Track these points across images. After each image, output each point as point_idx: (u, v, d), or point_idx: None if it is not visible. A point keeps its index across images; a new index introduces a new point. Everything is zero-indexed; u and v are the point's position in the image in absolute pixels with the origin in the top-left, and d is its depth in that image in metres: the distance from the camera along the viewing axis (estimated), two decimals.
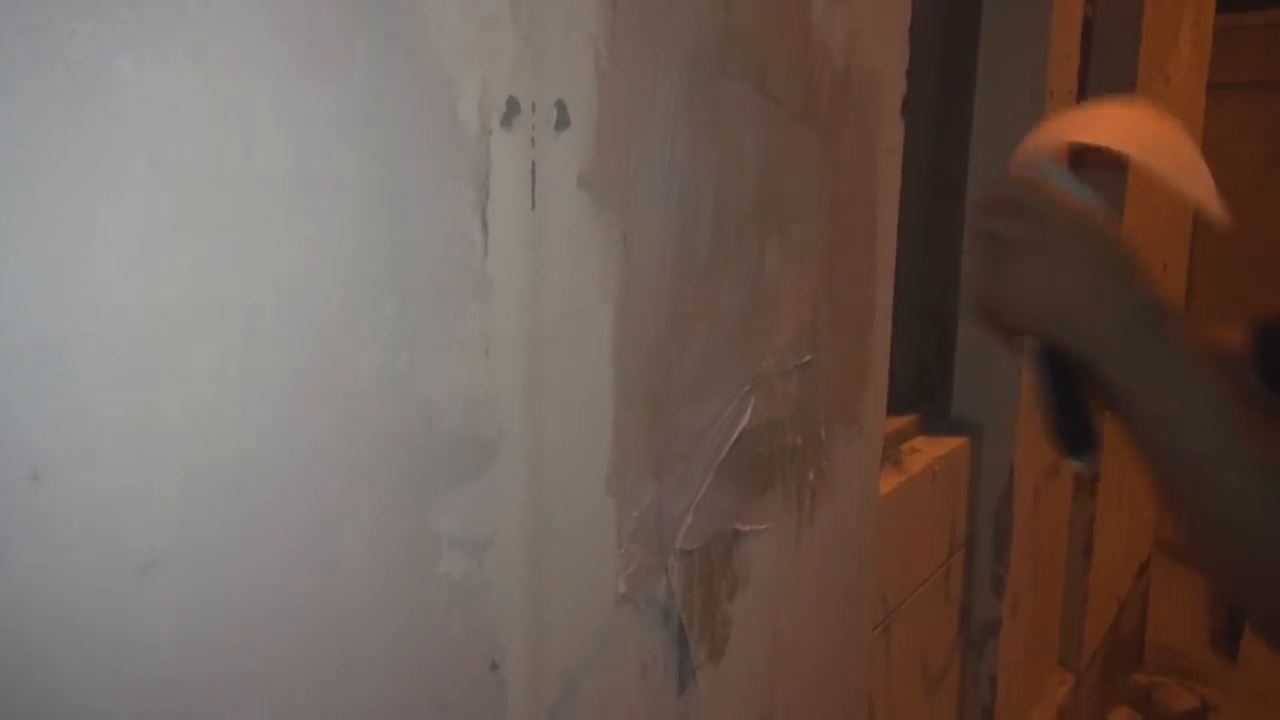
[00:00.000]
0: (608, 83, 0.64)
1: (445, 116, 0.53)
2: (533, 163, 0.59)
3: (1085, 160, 0.83)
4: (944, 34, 1.57)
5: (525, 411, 0.61)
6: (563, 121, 0.61)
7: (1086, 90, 2.16)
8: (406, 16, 0.51)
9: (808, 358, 0.93)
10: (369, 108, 0.50)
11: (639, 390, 0.71)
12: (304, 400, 0.49)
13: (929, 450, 1.50)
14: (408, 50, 0.51)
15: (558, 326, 0.63)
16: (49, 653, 0.40)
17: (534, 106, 0.58)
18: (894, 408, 1.57)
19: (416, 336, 0.54)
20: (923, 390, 1.68)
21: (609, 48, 0.64)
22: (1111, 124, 0.75)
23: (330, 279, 0.50)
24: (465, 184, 0.55)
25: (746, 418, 0.84)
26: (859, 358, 1.05)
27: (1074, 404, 0.71)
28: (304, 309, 0.49)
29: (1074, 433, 0.72)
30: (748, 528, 0.87)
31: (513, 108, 0.57)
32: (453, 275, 0.55)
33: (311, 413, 0.50)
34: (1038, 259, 0.63)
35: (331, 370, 0.50)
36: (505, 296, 0.58)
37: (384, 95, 0.50)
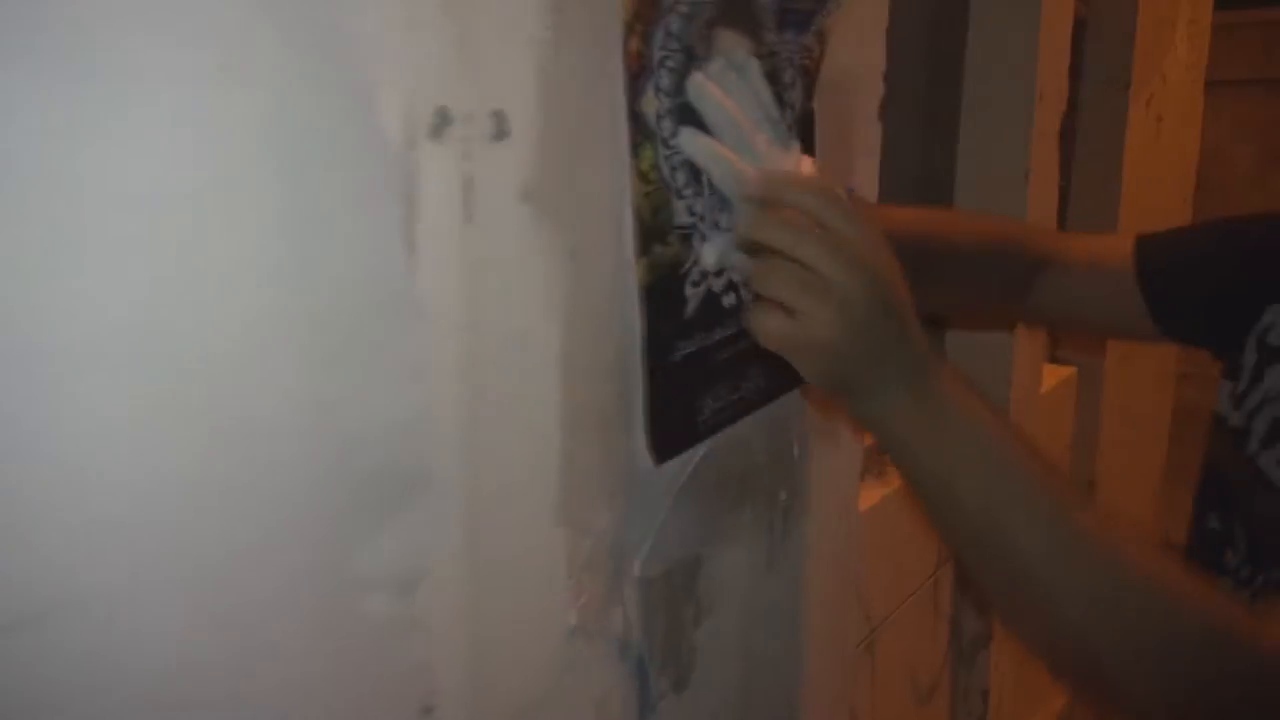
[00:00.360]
0: (552, 91, 0.60)
1: (365, 129, 0.50)
2: (467, 176, 0.55)
3: None
4: (929, 34, 1.53)
5: (462, 440, 0.58)
6: (501, 132, 0.57)
7: (1079, 91, 2.12)
8: (322, 22, 0.47)
9: None
10: (280, 121, 0.46)
11: (590, 414, 0.68)
12: (210, 433, 0.46)
13: None
14: (323, 58, 0.48)
15: (498, 349, 0.59)
16: None
17: (469, 117, 0.55)
18: None
19: (335, 363, 0.50)
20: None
21: (553, 54, 0.60)
22: None
23: (238, 303, 0.46)
24: (388, 201, 0.51)
25: (738, 428, 0.81)
26: None
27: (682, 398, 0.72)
28: (211, 335, 0.45)
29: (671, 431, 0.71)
30: (714, 552, 0.83)
31: (444, 119, 0.53)
32: (375, 297, 0.52)
33: (218, 447, 0.46)
34: (825, 314, 0.60)
35: (241, 400, 0.47)
36: (437, 318, 0.55)
37: (297, 107, 0.47)
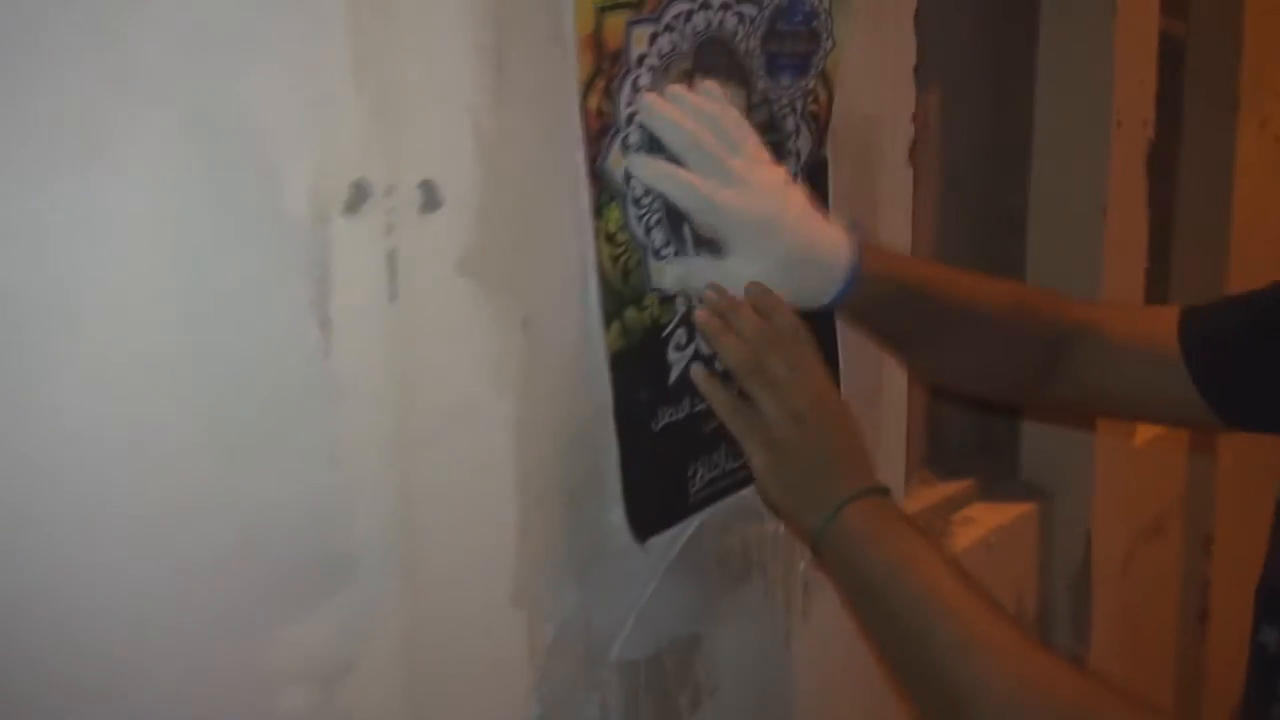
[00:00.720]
0: (493, 156, 0.58)
1: (268, 208, 0.48)
2: (391, 250, 0.53)
3: None
4: (994, 62, 1.45)
5: (394, 521, 0.55)
6: (431, 203, 0.55)
7: (1183, 117, 1.98)
8: (219, 100, 0.46)
9: None
10: (174, 204, 0.45)
11: (553, 488, 0.64)
12: (110, 519, 0.45)
13: (985, 519, 1.37)
14: (220, 138, 0.47)
15: (437, 425, 0.57)
16: None
17: (390, 189, 0.53)
18: (950, 471, 1.45)
19: (242, 448, 0.49)
20: (987, 449, 1.55)
21: (493, 118, 0.58)
22: None
23: (137, 390, 0.45)
24: (296, 280, 0.50)
25: (731, 501, 0.76)
26: (866, 426, 0.95)
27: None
28: (112, 421, 0.44)
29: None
30: (716, 630, 0.78)
31: (360, 192, 0.52)
32: (287, 380, 0.50)
33: (118, 534, 0.45)
34: (755, 448, 0.66)
35: (143, 486, 0.46)
36: (357, 398, 0.53)
37: (191, 189, 0.46)
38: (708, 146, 0.64)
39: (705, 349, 0.71)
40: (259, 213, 0.48)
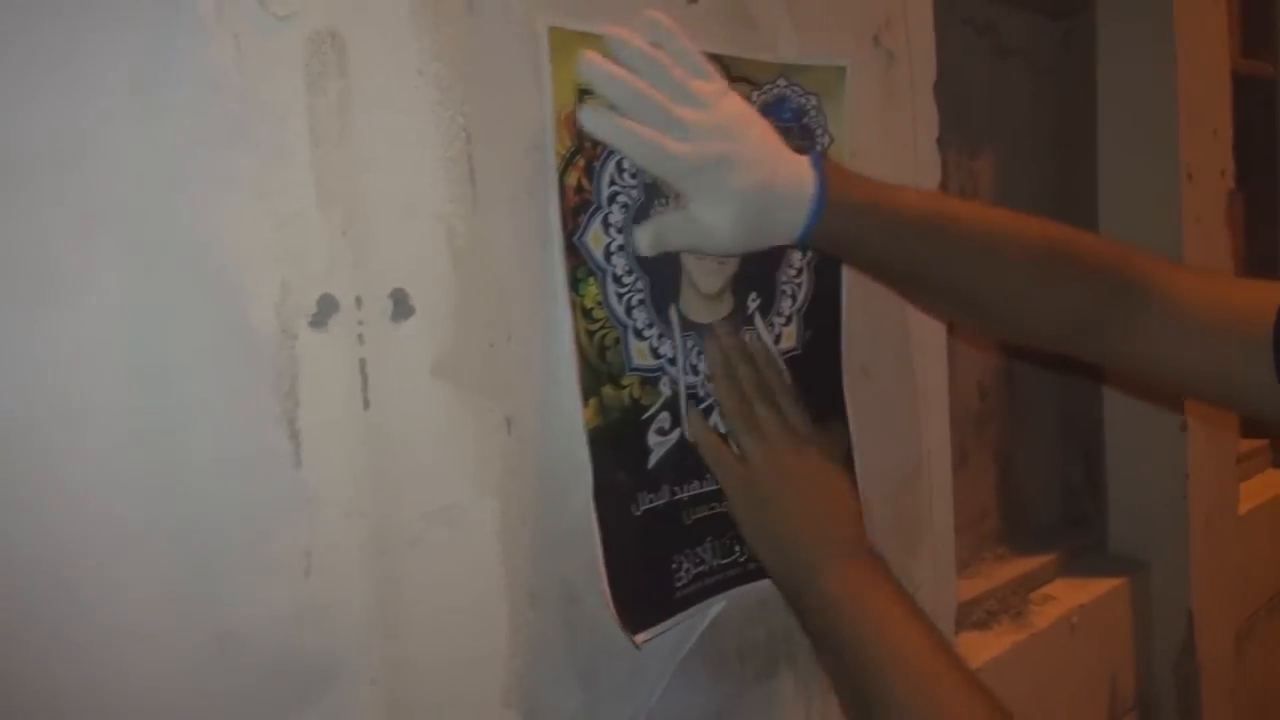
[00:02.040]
0: (467, 260, 0.60)
1: (233, 328, 0.51)
2: (361, 360, 0.55)
3: None
4: (1051, 121, 1.41)
5: (373, 627, 0.56)
6: (403, 311, 0.57)
7: (1277, 170, 1.88)
8: (185, 228, 0.49)
9: None
10: (141, 328, 0.48)
11: (549, 584, 0.64)
12: (84, 632, 0.47)
13: (1067, 597, 1.29)
14: (186, 263, 0.49)
15: (418, 529, 0.57)
16: None
17: (358, 301, 0.55)
18: (1030, 546, 1.37)
19: (215, 559, 0.50)
20: (1071, 520, 1.46)
21: (467, 225, 0.60)
22: None
23: (106, 505, 0.47)
24: (264, 396, 0.51)
25: (722, 602, 0.74)
26: (905, 509, 0.92)
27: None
28: (83, 540, 0.47)
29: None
30: None
31: (328, 306, 0.54)
32: (255, 493, 0.51)
33: (91, 648, 0.47)
34: (734, 493, 0.69)
35: (116, 599, 0.48)
36: (331, 507, 0.54)
37: (158, 314, 0.48)
38: (651, 98, 0.62)
39: (689, 435, 0.71)
40: (224, 331, 0.50)
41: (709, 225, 0.65)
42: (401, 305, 0.57)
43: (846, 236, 0.68)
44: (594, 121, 0.63)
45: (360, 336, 0.55)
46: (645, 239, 0.67)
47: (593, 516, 0.64)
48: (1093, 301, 0.68)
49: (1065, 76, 1.40)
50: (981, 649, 1.12)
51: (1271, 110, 1.91)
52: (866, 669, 0.59)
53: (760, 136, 0.66)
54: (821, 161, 0.67)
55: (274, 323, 0.52)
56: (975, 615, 1.19)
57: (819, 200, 0.65)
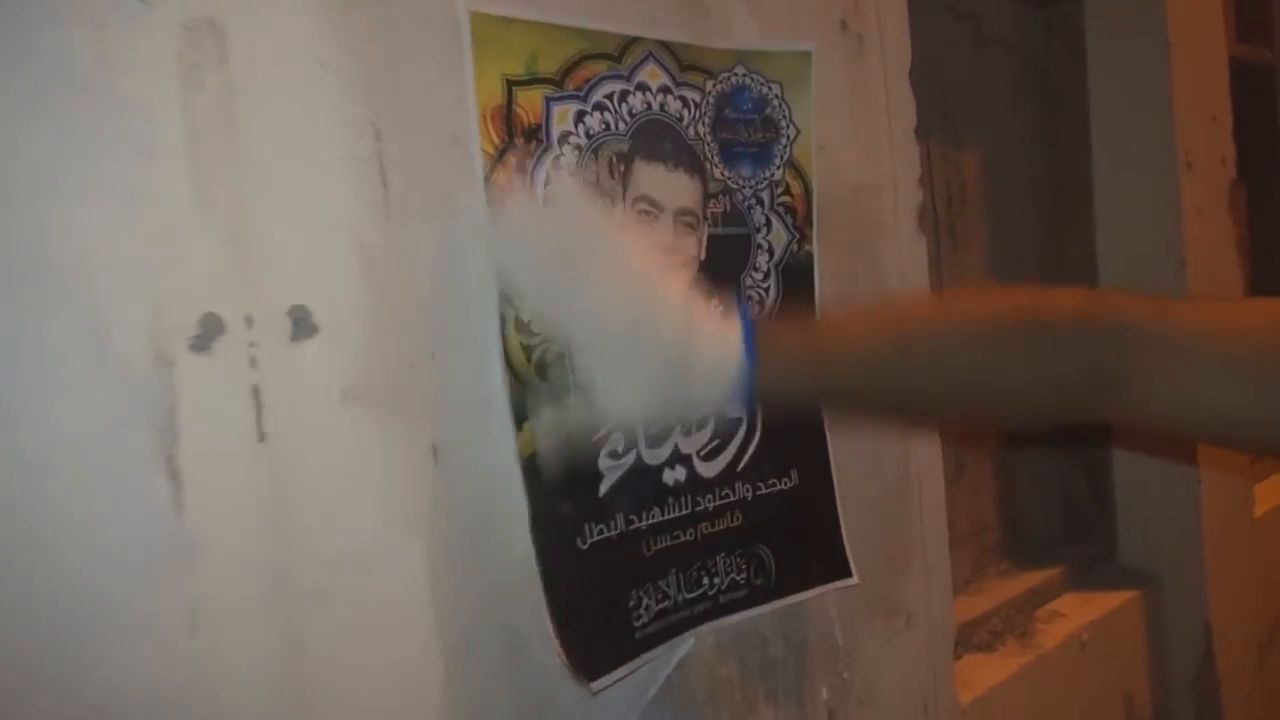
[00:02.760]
0: (382, 273, 0.53)
1: (98, 354, 0.44)
2: (254, 387, 0.49)
3: None
4: (1040, 112, 1.35)
5: (274, 692, 0.49)
6: (304, 331, 0.50)
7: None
8: (36, 243, 0.43)
9: None
10: None
11: (488, 632, 0.57)
12: None
13: (1077, 613, 1.22)
14: (38, 282, 0.43)
15: (325, 577, 0.51)
16: None
17: (249, 320, 0.48)
18: (1035, 559, 1.30)
19: (81, 623, 0.44)
20: (1076, 532, 1.39)
21: (379, 231, 0.53)
22: None
23: None
24: (135, 431, 0.45)
25: (690, 640, 0.67)
26: (892, 525, 0.85)
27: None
28: None
29: None
30: None
31: (212, 327, 0.47)
32: (129, 543, 0.45)
33: None
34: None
35: None
36: (219, 556, 0.47)
37: (5, 339, 0.42)
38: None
39: (650, 459, 0.64)
40: (88, 358, 0.44)
41: (623, 406, 0.58)
42: (302, 324, 0.50)
43: (791, 396, 0.61)
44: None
45: (252, 360, 0.49)
46: (546, 429, 0.59)
47: (532, 553, 0.58)
48: (1086, 365, 0.58)
49: (1051, 65, 1.33)
50: (986, 674, 1.04)
51: (1270, 97, 1.85)
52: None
53: (674, 305, 0.58)
54: (748, 315, 0.60)
55: (146, 347, 0.45)
56: (978, 637, 1.12)
57: (745, 366, 0.57)
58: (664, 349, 0.57)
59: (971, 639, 1.11)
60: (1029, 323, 0.58)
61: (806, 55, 0.75)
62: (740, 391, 0.58)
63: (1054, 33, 1.32)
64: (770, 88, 0.73)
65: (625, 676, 0.62)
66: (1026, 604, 1.21)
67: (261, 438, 0.49)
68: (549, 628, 0.59)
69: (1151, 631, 1.31)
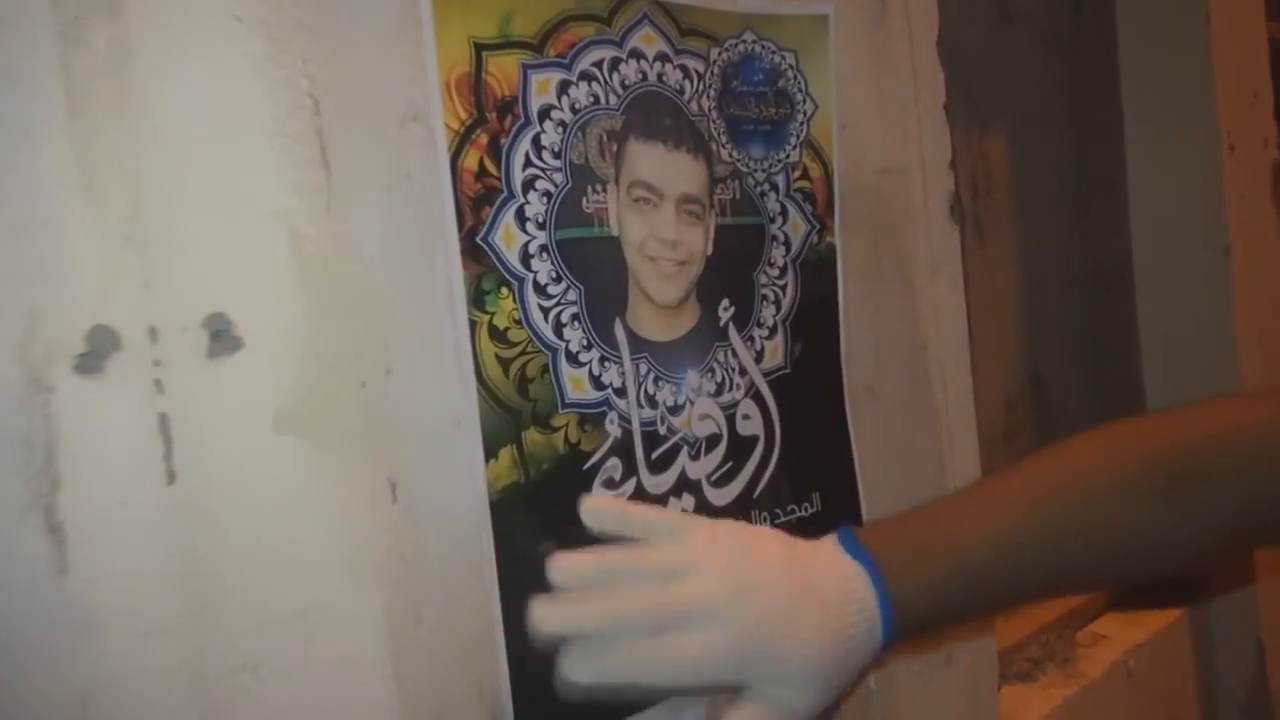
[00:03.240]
0: (323, 274, 0.44)
1: None
2: (161, 416, 0.39)
3: None
4: (1070, 92, 1.25)
5: None
6: (226, 345, 0.41)
7: None
8: None
9: None
10: None
11: (460, 698, 0.48)
12: None
13: (1121, 636, 1.12)
14: None
15: (256, 647, 0.41)
16: None
17: (153, 333, 0.39)
18: None
19: None
20: None
21: (319, 224, 0.44)
22: None
23: None
24: (2, 475, 0.36)
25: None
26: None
27: None
28: None
29: None
30: None
31: (103, 343, 0.38)
32: (11, 612, 0.36)
33: None
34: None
35: None
36: (118, 626, 0.38)
37: None
38: (637, 608, 0.45)
39: (652, 487, 0.55)
40: None
41: (794, 705, 0.47)
42: (222, 337, 0.41)
43: (933, 616, 0.51)
44: (586, 670, 0.44)
45: (158, 383, 0.39)
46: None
47: (496, 607, 0.48)
48: (1237, 497, 0.52)
49: (1081, 43, 1.24)
50: (1028, 708, 0.95)
51: None
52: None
53: (768, 573, 0.47)
54: (854, 543, 0.49)
55: (15, 369, 0.36)
56: (1017, 665, 1.03)
57: (882, 600, 0.48)
58: (804, 632, 0.46)
59: (1010, 667, 1.01)
60: (1170, 455, 0.52)
61: (823, 19, 0.66)
62: (886, 640, 0.48)
63: (1084, 7, 1.23)
64: (784, 56, 0.63)
65: None
66: (1066, 627, 1.11)
67: (171, 478, 0.39)
68: (502, 694, 0.49)
69: (1199, 652, 1.21)
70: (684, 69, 0.59)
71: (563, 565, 0.45)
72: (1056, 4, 1.23)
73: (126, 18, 0.39)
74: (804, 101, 0.65)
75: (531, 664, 0.49)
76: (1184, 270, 1.20)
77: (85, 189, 0.38)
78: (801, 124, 0.64)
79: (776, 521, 0.62)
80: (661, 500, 0.56)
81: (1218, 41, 1.17)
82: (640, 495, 0.55)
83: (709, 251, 0.60)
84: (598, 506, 0.48)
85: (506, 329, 0.50)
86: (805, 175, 0.65)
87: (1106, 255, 1.26)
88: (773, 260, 0.63)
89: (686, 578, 0.45)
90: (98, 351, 0.38)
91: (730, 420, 0.60)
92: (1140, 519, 0.52)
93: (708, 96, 0.60)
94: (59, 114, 0.37)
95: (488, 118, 0.50)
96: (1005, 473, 0.57)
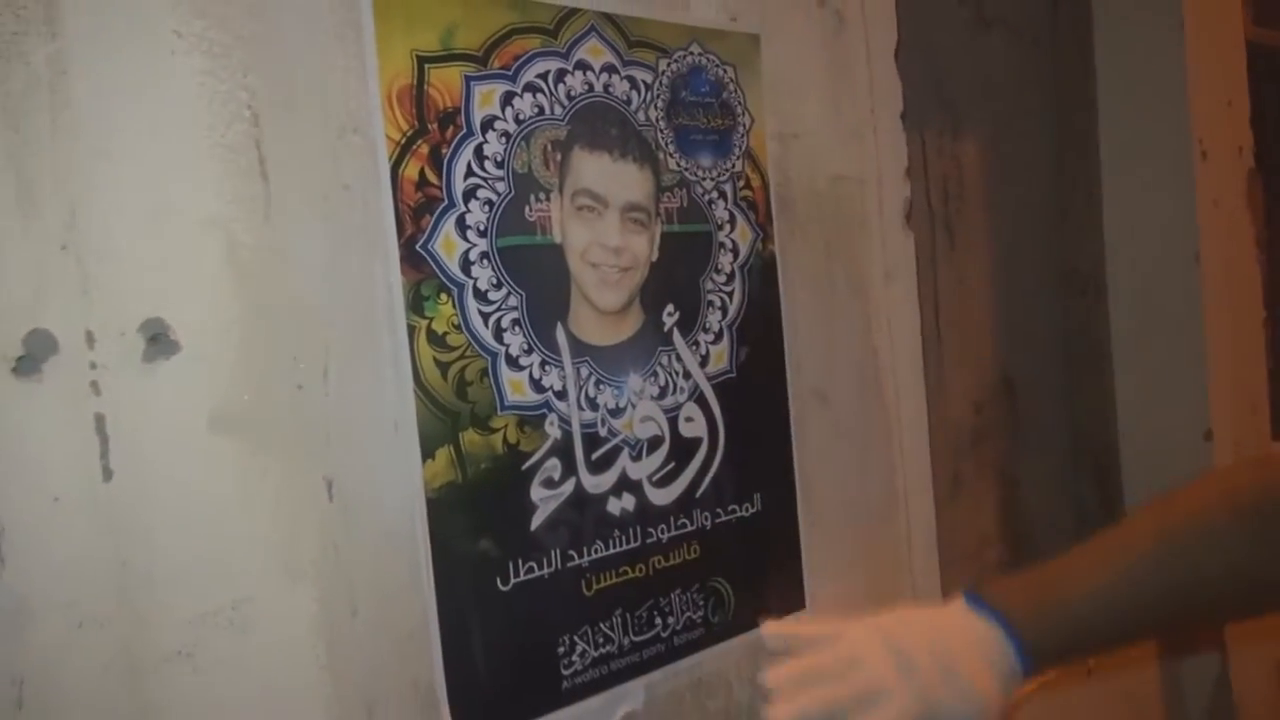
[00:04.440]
0: (260, 279, 0.46)
1: None
2: (98, 416, 0.41)
3: None
4: (1045, 98, 1.26)
5: None
6: (162, 349, 0.43)
7: None
8: None
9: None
10: None
11: (394, 688, 0.50)
12: None
13: None
14: None
15: (190, 637, 0.43)
16: None
17: (90, 337, 0.41)
18: None
19: None
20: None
21: (255, 232, 0.46)
22: None
23: None
24: None
25: (639, 689, 0.60)
26: (877, 553, 0.77)
27: None
28: None
29: None
30: None
31: (39, 347, 0.40)
32: None
33: None
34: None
35: None
36: (53, 617, 0.40)
37: None
38: (840, 701, 0.50)
39: (592, 487, 0.56)
40: None
41: None
42: (159, 341, 0.43)
43: (1061, 654, 0.54)
44: None
45: (94, 385, 0.41)
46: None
47: (431, 599, 0.50)
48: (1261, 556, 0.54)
49: (1057, 47, 1.25)
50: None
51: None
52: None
53: (919, 643, 0.52)
54: (979, 602, 0.53)
55: None
56: None
57: (1019, 652, 0.52)
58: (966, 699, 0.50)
59: None
60: (1259, 493, 0.54)
61: (755, 38, 0.67)
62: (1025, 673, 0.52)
63: (1060, 12, 1.24)
64: (725, 70, 0.65)
65: None
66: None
67: (107, 475, 0.41)
68: (437, 684, 0.51)
69: (1163, 655, 1.22)
70: (631, 80, 0.60)
71: (775, 676, 0.50)
72: (1034, 9, 1.24)
73: (65, 35, 0.40)
74: (743, 114, 0.66)
75: (465, 657, 0.51)
76: (1155, 275, 1.21)
77: (22, 200, 0.40)
78: (742, 135, 0.66)
79: (718, 520, 0.64)
80: (600, 500, 0.57)
81: (1192, 47, 1.18)
82: (579, 495, 0.57)
83: (654, 258, 0.61)
84: (776, 631, 0.53)
85: (445, 334, 0.51)
86: (748, 184, 0.66)
87: (1079, 259, 1.27)
88: (720, 266, 0.65)
89: (863, 664, 0.51)
90: (34, 355, 0.40)
91: (673, 422, 0.62)
92: (1253, 547, 0.53)
93: (655, 106, 0.61)
94: None
95: (429, 128, 0.51)
96: (1121, 524, 0.59)
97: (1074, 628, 0.53)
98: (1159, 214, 1.21)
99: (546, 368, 0.56)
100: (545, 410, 0.55)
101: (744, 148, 0.65)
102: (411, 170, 0.51)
